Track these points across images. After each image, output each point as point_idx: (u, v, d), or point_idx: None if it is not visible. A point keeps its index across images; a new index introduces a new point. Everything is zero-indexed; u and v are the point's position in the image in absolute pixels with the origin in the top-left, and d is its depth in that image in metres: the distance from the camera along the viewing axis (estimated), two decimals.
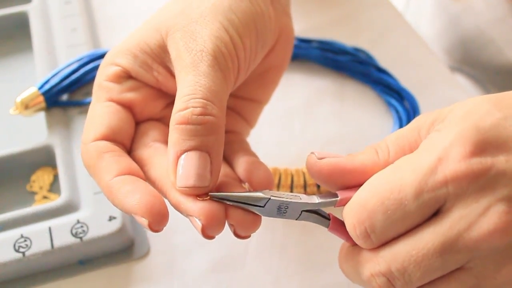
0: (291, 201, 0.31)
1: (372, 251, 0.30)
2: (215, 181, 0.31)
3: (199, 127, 0.31)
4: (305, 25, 0.63)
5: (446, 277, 0.29)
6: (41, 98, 0.50)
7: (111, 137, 0.34)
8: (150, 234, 0.46)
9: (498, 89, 0.71)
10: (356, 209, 0.30)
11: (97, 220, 0.43)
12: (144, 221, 0.31)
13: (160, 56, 0.35)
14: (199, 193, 0.31)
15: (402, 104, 0.53)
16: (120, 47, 0.36)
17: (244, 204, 0.31)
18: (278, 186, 0.47)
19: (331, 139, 0.53)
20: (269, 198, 0.31)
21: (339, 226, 0.33)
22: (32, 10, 0.60)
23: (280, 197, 0.31)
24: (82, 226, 0.43)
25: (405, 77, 0.56)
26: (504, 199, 0.27)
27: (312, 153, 0.32)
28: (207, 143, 0.31)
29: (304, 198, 0.32)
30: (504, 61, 0.68)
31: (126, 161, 0.33)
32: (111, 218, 0.43)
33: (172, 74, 0.35)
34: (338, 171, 0.32)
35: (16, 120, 0.51)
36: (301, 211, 0.32)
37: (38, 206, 0.44)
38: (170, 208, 0.48)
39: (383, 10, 0.64)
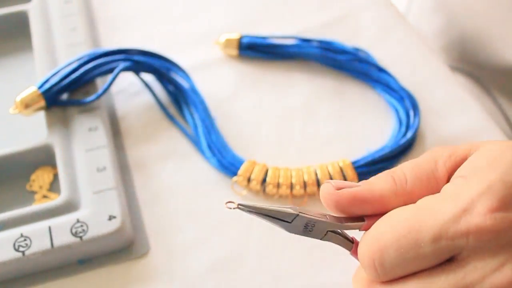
0: (318, 220, 0.31)
1: (381, 284, 0.30)
2: None
3: None
4: (305, 24, 0.63)
5: None
6: (41, 97, 0.50)
7: None
8: (150, 233, 0.46)
9: (498, 88, 0.71)
10: (370, 240, 0.30)
11: (97, 219, 0.43)
12: None
13: None
14: None
15: (402, 103, 0.53)
16: None
17: (271, 218, 0.31)
18: (278, 186, 0.48)
19: (331, 138, 0.53)
20: (297, 215, 0.31)
21: None
22: (31, 10, 0.60)
23: (307, 214, 0.31)
24: (82, 226, 0.43)
25: (405, 76, 0.56)
26: None
27: (328, 181, 0.32)
28: None
29: (331, 219, 0.32)
30: (503, 60, 0.68)
31: None
32: (111, 218, 0.43)
33: None
34: (357, 202, 0.31)
35: (16, 119, 0.51)
36: (327, 231, 0.32)
37: (38, 206, 0.44)
38: (170, 209, 0.48)
39: (383, 10, 0.64)
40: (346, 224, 0.32)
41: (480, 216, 0.27)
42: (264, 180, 0.48)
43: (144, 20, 0.63)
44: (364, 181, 0.32)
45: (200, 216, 0.47)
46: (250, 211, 0.30)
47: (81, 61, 0.52)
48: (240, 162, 0.49)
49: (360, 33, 0.62)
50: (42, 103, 0.50)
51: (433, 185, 0.31)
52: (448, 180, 0.31)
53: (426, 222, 0.28)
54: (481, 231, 0.27)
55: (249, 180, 0.48)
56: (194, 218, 0.47)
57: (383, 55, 0.59)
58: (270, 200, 0.48)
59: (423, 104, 0.54)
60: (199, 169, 0.50)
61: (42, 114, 0.51)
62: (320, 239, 0.32)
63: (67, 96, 0.52)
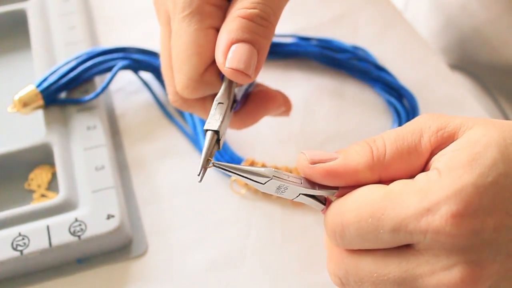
0: (290, 185, 0.32)
1: (341, 254, 0.32)
2: (255, 76, 0.36)
3: (259, 27, 0.35)
4: (304, 23, 0.62)
5: None
6: (39, 96, 0.49)
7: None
8: (148, 232, 0.46)
9: (497, 87, 0.71)
10: (334, 214, 0.31)
11: (95, 218, 0.43)
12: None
13: None
14: (243, 79, 0.35)
15: (401, 102, 0.53)
16: None
17: (245, 178, 0.31)
18: None
19: (330, 137, 0.53)
20: (271, 179, 0.31)
21: None
22: (30, 8, 0.60)
23: (281, 178, 0.32)
24: (80, 225, 0.43)
25: (404, 75, 0.56)
26: (472, 263, 0.28)
27: (303, 153, 0.32)
28: (260, 42, 0.36)
29: (305, 183, 0.32)
30: (502, 59, 0.68)
31: None
32: (109, 217, 0.43)
33: None
34: (330, 177, 0.32)
35: (14, 118, 0.51)
36: (299, 194, 0.32)
37: (36, 204, 0.44)
38: (168, 208, 0.48)
39: (382, 8, 0.64)
40: (319, 190, 0.32)
41: (441, 219, 0.28)
42: None
43: (143, 18, 0.63)
44: (341, 150, 0.32)
45: (199, 215, 0.47)
46: (226, 170, 0.31)
47: (80, 60, 0.52)
48: (239, 160, 0.49)
49: (359, 31, 0.62)
50: (40, 101, 0.50)
51: (413, 160, 0.31)
52: (430, 156, 0.31)
53: (389, 211, 0.29)
54: (439, 234, 0.28)
55: None
56: (193, 217, 0.47)
57: (382, 53, 0.59)
58: (268, 199, 0.48)
59: (422, 103, 0.54)
60: (198, 167, 0.50)
61: (40, 113, 0.51)
62: (292, 200, 0.33)
63: (66, 94, 0.52)
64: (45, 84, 0.50)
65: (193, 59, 0.37)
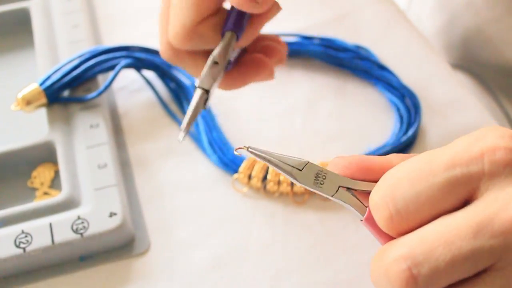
0: (330, 171, 0.30)
1: (397, 239, 0.27)
2: (263, 7, 0.36)
3: None
4: (306, 22, 0.63)
5: (474, 280, 0.26)
6: (42, 94, 0.50)
7: None
8: (150, 230, 0.46)
9: (499, 86, 0.71)
10: (383, 179, 0.28)
11: (98, 216, 0.43)
12: None
13: None
14: (251, 7, 0.35)
15: (403, 101, 0.53)
16: None
17: (281, 164, 0.30)
18: (279, 183, 0.48)
19: (332, 136, 0.53)
20: (308, 162, 0.30)
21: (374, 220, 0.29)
22: (33, 6, 0.60)
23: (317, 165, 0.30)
24: (82, 222, 0.43)
25: (406, 74, 0.56)
26: None
27: (337, 156, 0.31)
28: None
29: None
30: (505, 59, 0.68)
31: None
32: (111, 214, 0.43)
33: None
34: (365, 166, 0.30)
35: (17, 116, 0.51)
36: (339, 187, 0.29)
37: (39, 202, 0.44)
38: (170, 206, 0.48)
39: (384, 7, 0.64)
40: (359, 181, 0.30)
41: (493, 139, 0.26)
42: (265, 178, 0.48)
43: (146, 17, 0.63)
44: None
45: (201, 213, 0.47)
46: (260, 156, 0.30)
47: (83, 58, 0.52)
48: (241, 159, 0.49)
49: (361, 31, 0.62)
50: (44, 100, 0.50)
51: None
52: None
53: (439, 154, 0.27)
54: (495, 151, 0.26)
55: (250, 177, 0.48)
56: (195, 215, 0.47)
57: (384, 52, 0.59)
58: (270, 198, 0.48)
59: (424, 102, 0.54)
60: (200, 166, 0.50)
61: (43, 111, 0.51)
62: (331, 196, 0.29)
63: (69, 93, 0.52)
64: (48, 83, 0.50)
65: (191, 7, 0.37)
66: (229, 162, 0.49)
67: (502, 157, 0.25)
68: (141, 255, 0.45)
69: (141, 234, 0.46)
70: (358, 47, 0.58)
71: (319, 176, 0.30)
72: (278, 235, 0.46)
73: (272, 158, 0.30)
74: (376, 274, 0.27)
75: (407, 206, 0.26)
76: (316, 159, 0.49)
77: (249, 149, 0.30)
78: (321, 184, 0.29)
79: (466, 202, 0.26)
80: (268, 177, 0.48)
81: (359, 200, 0.29)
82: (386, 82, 0.55)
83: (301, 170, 0.30)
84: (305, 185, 0.30)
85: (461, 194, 0.26)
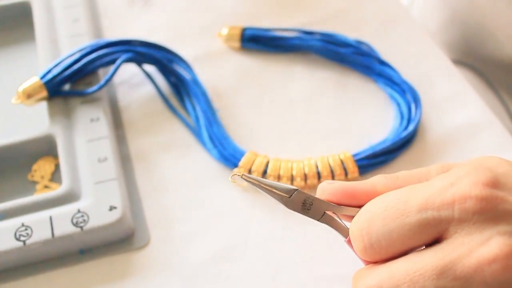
0: (316, 198, 0.33)
1: (371, 266, 0.31)
2: None
3: None
4: (307, 17, 0.62)
5: None
6: (43, 88, 0.50)
7: None
8: (150, 224, 0.46)
9: (501, 83, 0.70)
10: (360, 212, 0.31)
11: (98, 209, 0.43)
12: None
13: None
14: None
15: (404, 97, 0.53)
16: None
17: (271, 191, 0.33)
18: (279, 178, 0.48)
19: (332, 131, 0.53)
20: (296, 189, 0.33)
21: None
22: (35, 0, 0.60)
23: (305, 193, 0.33)
24: (82, 216, 0.43)
25: (407, 70, 0.56)
26: (507, 233, 0.27)
27: (324, 182, 0.34)
28: None
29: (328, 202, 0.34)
30: (507, 55, 0.68)
31: None
32: (111, 208, 0.44)
33: None
34: (349, 193, 0.33)
35: (18, 109, 0.52)
36: (324, 212, 0.33)
37: (39, 195, 0.45)
38: (170, 200, 0.48)
39: (385, 3, 0.64)
40: (343, 206, 0.33)
41: (465, 186, 0.28)
42: (265, 172, 0.48)
43: (147, 11, 0.63)
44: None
45: (201, 207, 0.47)
46: (253, 183, 0.33)
47: (84, 52, 0.52)
48: (241, 153, 0.49)
49: (362, 26, 0.62)
50: (44, 93, 0.50)
51: (423, 181, 0.32)
52: None
53: (414, 194, 0.29)
54: (466, 200, 0.28)
55: (250, 171, 0.48)
56: (195, 209, 0.47)
57: (385, 48, 0.59)
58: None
59: (425, 98, 0.54)
60: (200, 160, 0.50)
61: (44, 105, 0.51)
62: (318, 220, 0.33)
63: (69, 86, 0.52)
64: (49, 76, 0.50)
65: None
66: (229, 156, 0.49)
67: (471, 206, 0.28)
68: (141, 248, 0.45)
69: (141, 228, 0.46)
70: (359, 42, 0.58)
71: (306, 202, 0.33)
72: (278, 229, 0.46)
73: (264, 185, 0.34)
74: None
75: (380, 241, 0.30)
76: (316, 154, 0.49)
77: (243, 176, 0.34)
78: (308, 209, 0.33)
79: (436, 240, 0.29)
80: (268, 171, 0.48)
81: (343, 224, 0.33)
82: (387, 77, 0.55)
83: (290, 197, 0.33)
84: (294, 210, 0.34)
85: (431, 234, 0.29)
